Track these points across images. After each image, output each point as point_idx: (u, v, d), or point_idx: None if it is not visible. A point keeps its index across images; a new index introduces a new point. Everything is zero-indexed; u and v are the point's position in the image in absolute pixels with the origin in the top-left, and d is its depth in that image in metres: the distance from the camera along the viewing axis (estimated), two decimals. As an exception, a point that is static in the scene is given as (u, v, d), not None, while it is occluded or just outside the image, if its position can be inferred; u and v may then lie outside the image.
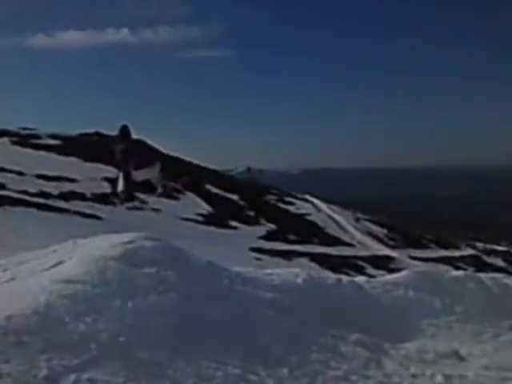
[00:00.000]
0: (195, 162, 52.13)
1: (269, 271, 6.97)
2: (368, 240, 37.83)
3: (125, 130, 7.55)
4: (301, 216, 40.20)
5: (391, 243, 38.80)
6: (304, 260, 26.57)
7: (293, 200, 45.72)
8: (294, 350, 4.92)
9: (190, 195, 34.79)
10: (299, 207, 43.08)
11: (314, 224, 38.45)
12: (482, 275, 8.61)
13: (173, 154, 48.64)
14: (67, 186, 27.53)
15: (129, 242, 5.71)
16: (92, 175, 31.28)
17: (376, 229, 43.02)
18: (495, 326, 6.86)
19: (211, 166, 58.69)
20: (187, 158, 51.27)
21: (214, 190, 40.19)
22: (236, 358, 4.43)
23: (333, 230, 38.04)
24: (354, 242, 36.05)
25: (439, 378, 5.06)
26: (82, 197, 26.63)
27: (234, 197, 40.16)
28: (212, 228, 28.98)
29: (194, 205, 33.19)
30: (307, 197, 50.39)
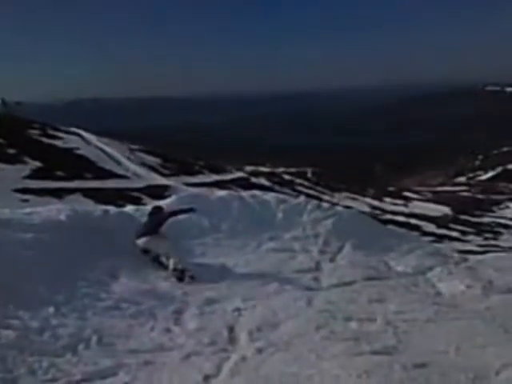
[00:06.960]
0: None
1: (28, 210, 6.39)
2: (142, 171, 37.74)
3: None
4: (69, 151, 37.66)
5: (166, 172, 39.39)
6: (76, 196, 25.38)
7: (59, 134, 42.34)
8: (60, 289, 4.69)
9: None
10: (66, 141, 40.14)
11: (84, 158, 36.50)
12: (244, 194, 9.28)
13: None
14: None
15: None
16: None
17: (150, 159, 43.00)
18: (257, 239, 7.60)
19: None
20: None
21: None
22: (-8, 308, 4.03)
23: (105, 164, 36.75)
24: (129, 174, 35.59)
25: (207, 293, 5.40)
26: None
27: (-11, 134, 35.46)
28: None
29: None
30: (74, 130, 47.19)
